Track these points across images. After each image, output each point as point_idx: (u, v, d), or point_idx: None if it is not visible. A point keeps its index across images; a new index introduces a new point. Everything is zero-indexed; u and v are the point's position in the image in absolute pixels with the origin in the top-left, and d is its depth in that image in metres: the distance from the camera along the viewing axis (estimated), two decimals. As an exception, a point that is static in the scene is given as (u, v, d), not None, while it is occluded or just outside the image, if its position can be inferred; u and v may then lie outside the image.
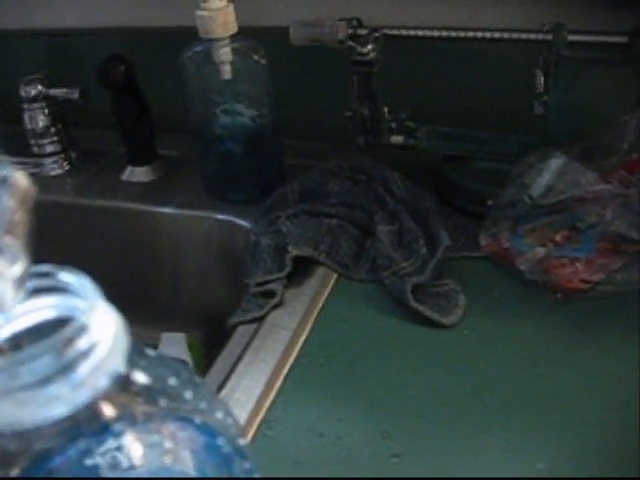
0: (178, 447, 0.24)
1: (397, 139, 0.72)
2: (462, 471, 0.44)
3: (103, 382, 0.21)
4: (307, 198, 0.69)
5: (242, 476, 0.25)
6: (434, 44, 0.69)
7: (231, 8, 0.65)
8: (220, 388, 0.51)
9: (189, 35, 0.67)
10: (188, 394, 0.24)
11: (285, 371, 0.52)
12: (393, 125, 0.72)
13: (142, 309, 0.79)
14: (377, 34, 0.65)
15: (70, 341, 0.20)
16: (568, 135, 0.62)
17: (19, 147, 0.87)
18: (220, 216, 0.74)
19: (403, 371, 0.52)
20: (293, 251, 0.61)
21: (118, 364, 0.22)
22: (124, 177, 0.84)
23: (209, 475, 0.24)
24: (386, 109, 0.70)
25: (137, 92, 0.80)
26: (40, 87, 0.84)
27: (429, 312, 0.55)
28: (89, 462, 0.22)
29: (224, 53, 0.67)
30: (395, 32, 0.67)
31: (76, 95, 0.83)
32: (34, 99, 0.84)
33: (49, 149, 0.87)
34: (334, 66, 0.71)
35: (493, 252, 0.60)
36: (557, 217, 0.58)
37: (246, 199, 0.74)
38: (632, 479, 0.42)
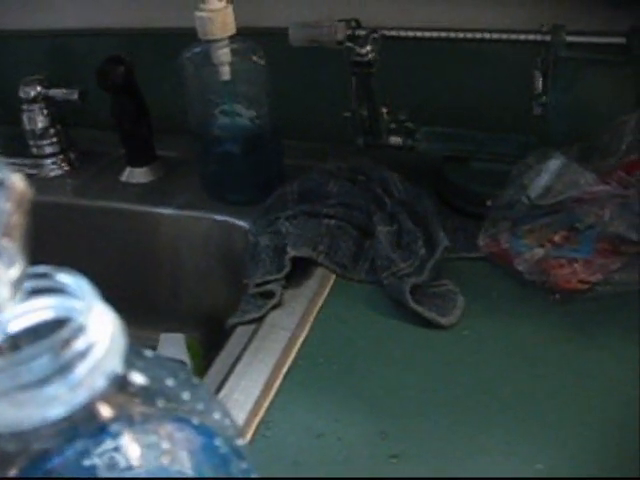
0: (175, 448, 0.24)
1: (396, 140, 0.72)
2: (461, 471, 0.44)
3: (100, 383, 0.21)
4: (306, 199, 0.69)
5: (240, 476, 0.25)
6: (433, 45, 0.69)
7: (230, 9, 0.65)
8: (219, 389, 0.51)
9: (188, 36, 0.67)
10: (186, 395, 0.24)
11: (284, 372, 0.52)
12: (392, 126, 0.72)
13: (141, 310, 0.79)
14: (376, 35, 0.65)
15: (67, 342, 0.20)
16: (567, 136, 0.62)
17: (18, 148, 0.87)
18: (219, 217, 0.74)
19: (402, 372, 0.52)
20: (292, 252, 0.61)
21: (115, 365, 0.22)
22: (123, 178, 0.84)
23: (207, 476, 0.24)
24: (385, 110, 0.70)
25: (136, 93, 0.80)
26: (39, 88, 0.84)
27: (428, 313, 0.55)
28: (87, 463, 0.22)
29: (223, 54, 0.67)
30: (394, 33, 0.67)
31: (75, 96, 0.83)
32: (33, 100, 0.84)
33: (48, 150, 0.87)
34: (333, 67, 0.71)
35: (492, 253, 0.61)
36: (556, 218, 0.58)
37: (245, 200, 0.74)
38: (632, 479, 0.42)
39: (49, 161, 0.87)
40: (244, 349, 0.55)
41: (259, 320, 0.58)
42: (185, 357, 0.74)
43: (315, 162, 0.74)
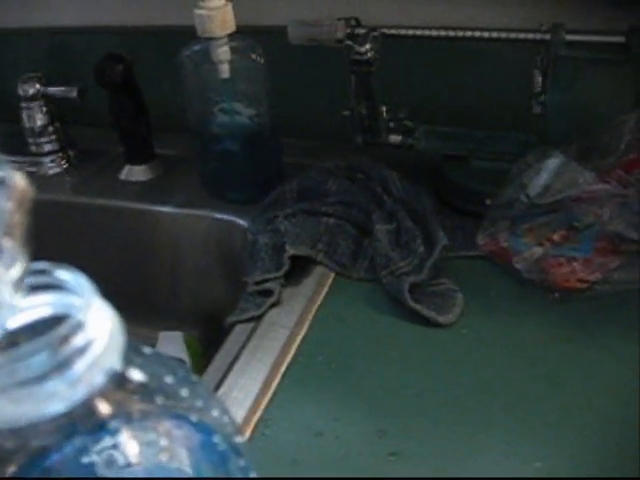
0: (174, 445, 0.24)
1: (395, 138, 0.72)
2: (460, 469, 0.44)
3: (99, 379, 0.21)
4: (305, 197, 0.69)
5: (238, 474, 0.25)
6: (432, 43, 0.69)
7: (229, 7, 0.65)
8: (217, 387, 0.51)
9: (187, 34, 0.67)
10: (184, 392, 0.24)
11: (283, 370, 0.52)
12: (391, 124, 0.72)
13: (140, 308, 0.79)
14: (375, 33, 0.65)
15: (66, 338, 0.20)
16: (566, 135, 0.62)
17: (17, 146, 0.87)
18: (218, 215, 0.74)
19: (400, 370, 0.52)
20: (291, 250, 0.61)
21: (114, 361, 0.22)
22: (122, 176, 0.84)
23: (205, 473, 0.24)
24: (384, 108, 0.70)
25: (135, 91, 0.80)
26: (38, 85, 0.84)
27: (426, 311, 0.55)
28: (85, 460, 0.22)
29: (222, 52, 0.67)
30: (393, 31, 0.67)
31: (74, 94, 0.83)
32: (32, 97, 0.84)
33: (47, 148, 0.87)
34: (332, 65, 0.71)
35: (491, 251, 0.61)
36: (555, 216, 0.58)
37: (244, 198, 0.74)
38: (632, 479, 0.42)
39: (48, 159, 0.87)
40: (243, 347, 0.55)
41: (258, 318, 0.58)
42: (184, 355, 0.74)
43: (314, 160, 0.74)
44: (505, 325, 0.55)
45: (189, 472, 0.24)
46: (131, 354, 0.23)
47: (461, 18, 0.72)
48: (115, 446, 0.22)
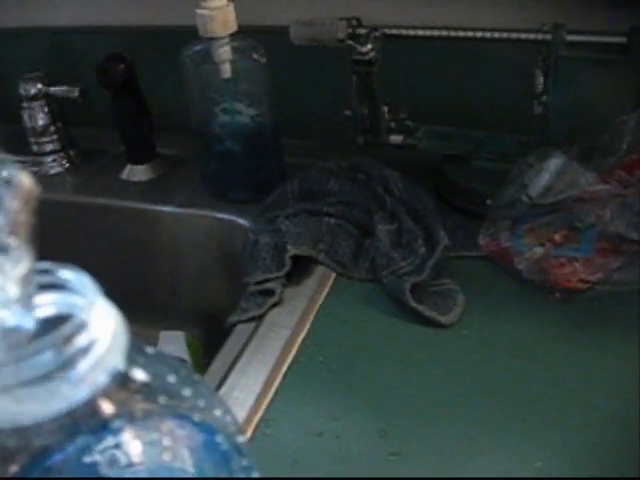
0: (177, 445, 0.24)
1: (396, 139, 0.72)
2: (460, 469, 0.44)
3: (102, 379, 0.21)
4: (307, 197, 0.69)
5: (241, 473, 0.25)
6: (434, 44, 0.69)
7: (231, 7, 0.65)
8: (219, 387, 0.51)
9: (189, 34, 0.67)
10: (187, 392, 0.24)
11: (284, 370, 0.52)
12: (392, 124, 0.72)
13: (141, 307, 0.79)
14: (377, 33, 0.65)
15: (70, 338, 0.20)
16: (567, 135, 0.62)
17: (19, 145, 0.87)
18: (219, 215, 0.74)
19: (401, 370, 0.52)
20: (292, 250, 0.61)
21: (117, 361, 0.22)
22: (123, 176, 0.84)
23: (208, 472, 0.24)
24: (385, 108, 0.70)
25: (136, 91, 0.80)
26: (40, 85, 0.84)
27: (428, 311, 0.55)
28: (87, 459, 0.22)
29: (224, 52, 0.67)
30: (395, 32, 0.67)
31: (76, 94, 0.83)
32: (34, 97, 0.84)
33: (49, 147, 0.87)
34: (334, 65, 0.71)
35: (492, 252, 0.61)
36: (556, 217, 0.58)
37: (246, 198, 0.74)
38: (632, 479, 0.42)
39: (49, 159, 0.87)
40: (244, 347, 0.55)
41: (259, 318, 0.58)
42: (185, 355, 0.74)
43: (315, 160, 0.74)
44: (506, 325, 0.55)
45: (192, 472, 0.24)
46: (134, 354, 0.23)
47: (462, 18, 0.72)
48: (117, 445, 0.22)
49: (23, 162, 0.87)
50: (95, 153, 0.90)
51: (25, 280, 0.20)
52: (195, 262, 0.78)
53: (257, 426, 0.48)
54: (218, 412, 0.25)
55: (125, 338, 0.22)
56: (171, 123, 0.82)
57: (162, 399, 0.23)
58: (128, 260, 0.82)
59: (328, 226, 0.65)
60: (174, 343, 0.75)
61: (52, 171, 0.87)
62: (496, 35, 0.64)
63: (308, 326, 0.57)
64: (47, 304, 0.22)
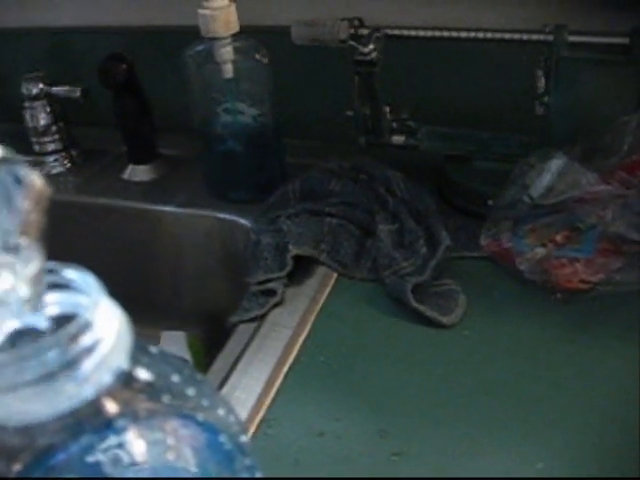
0: (180, 444, 0.24)
1: (398, 139, 0.72)
2: (462, 470, 0.44)
3: (106, 378, 0.21)
4: (308, 197, 0.69)
5: (244, 473, 0.25)
6: (435, 44, 0.69)
7: (233, 7, 0.65)
8: (220, 387, 0.51)
9: (191, 34, 0.67)
10: (190, 391, 0.24)
11: (285, 370, 0.53)
12: (394, 125, 0.72)
13: (142, 307, 0.78)
14: (379, 34, 0.65)
15: (74, 337, 0.20)
16: (569, 136, 0.62)
17: (20, 145, 0.86)
18: (221, 215, 0.74)
19: (403, 371, 0.52)
20: (294, 250, 0.62)
21: (121, 361, 0.22)
22: (125, 176, 0.84)
23: (211, 472, 0.24)
24: (387, 109, 0.70)
25: (138, 91, 0.80)
26: (41, 85, 0.84)
27: (429, 312, 0.55)
28: (90, 459, 0.22)
29: (226, 52, 0.67)
30: (397, 32, 0.67)
31: (78, 94, 0.83)
32: (35, 97, 0.84)
33: (50, 147, 0.87)
34: (336, 66, 0.71)
35: (493, 252, 0.61)
36: (557, 217, 0.58)
37: (247, 198, 0.74)
38: (632, 479, 0.42)
39: (51, 158, 0.87)
40: (245, 347, 0.55)
41: (261, 318, 0.58)
42: (186, 355, 0.74)
43: (317, 161, 0.74)
44: (507, 326, 0.55)
45: (195, 471, 0.24)
46: (138, 353, 0.23)
47: (464, 19, 0.72)
48: (121, 445, 0.22)
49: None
50: (97, 153, 0.90)
51: (36, 280, 0.20)
52: (197, 262, 0.78)
53: (258, 426, 0.48)
54: (221, 412, 0.25)
55: (129, 338, 0.22)
56: (173, 123, 0.82)
57: (166, 398, 0.23)
58: (129, 260, 0.82)
59: (330, 226, 0.65)
60: (175, 343, 0.75)
61: (54, 171, 0.87)
62: (498, 36, 0.64)
63: (309, 326, 0.57)
64: (52, 303, 0.22)
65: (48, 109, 0.85)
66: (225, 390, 0.51)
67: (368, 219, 0.65)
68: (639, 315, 0.53)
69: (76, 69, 0.92)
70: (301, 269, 0.62)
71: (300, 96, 0.82)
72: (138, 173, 0.83)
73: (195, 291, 0.80)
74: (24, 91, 0.84)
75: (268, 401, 0.50)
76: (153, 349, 0.25)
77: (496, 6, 0.73)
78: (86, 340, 0.20)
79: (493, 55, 0.73)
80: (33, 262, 0.20)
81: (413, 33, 0.67)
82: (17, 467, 0.22)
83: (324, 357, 0.54)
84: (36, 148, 0.87)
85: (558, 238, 0.58)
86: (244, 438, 0.26)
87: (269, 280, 0.60)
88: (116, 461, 0.22)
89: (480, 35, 0.64)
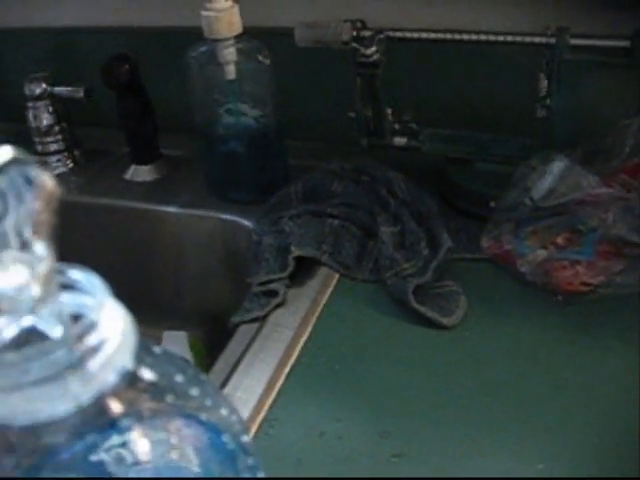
0: (184, 444, 0.24)
1: (400, 141, 0.72)
2: (462, 471, 0.44)
3: (111, 378, 0.21)
4: (310, 198, 0.69)
5: (246, 473, 0.26)
6: (438, 46, 0.69)
7: (236, 9, 0.66)
8: (222, 387, 0.51)
9: (194, 35, 0.67)
10: (194, 391, 0.25)
11: (286, 370, 0.53)
12: (396, 127, 0.72)
13: (144, 307, 0.78)
14: (381, 36, 0.65)
15: (80, 337, 0.20)
16: (570, 138, 0.63)
17: (23, 145, 0.86)
18: (223, 216, 0.74)
19: (404, 371, 0.52)
20: (295, 251, 0.62)
21: (126, 360, 0.22)
22: (127, 176, 0.84)
23: (214, 472, 0.25)
24: (389, 111, 0.71)
25: (141, 91, 0.80)
26: (44, 85, 0.84)
27: (430, 313, 0.55)
28: (94, 458, 0.22)
29: (229, 53, 0.67)
30: (399, 34, 0.67)
31: (81, 94, 0.83)
32: (38, 97, 0.84)
33: (53, 147, 0.87)
34: (338, 67, 0.71)
35: (494, 254, 0.61)
36: (558, 220, 0.58)
37: (249, 199, 0.74)
38: (632, 479, 0.42)
39: (54, 158, 0.87)
40: (247, 348, 0.55)
41: (262, 319, 0.58)
42: (188, 355, 0.74)
43: (319, 162, 0.74)
44: (508, 327, 0.55)
45: (198, 471, 0.24)
46: (142, 353, 0.23)
47: (466, 21, 0.73)
48: (124, 444, 0.23)
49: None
50: (99, 153, 0.90)
51: (47, 279, 0.20)
52: (199, 263, 0.79)
53: (260, 426, 0.48)
54: (224, 411, 0.26)
55: (134, 338, 0.23)
56: (175, 124, 0.82)
57: (169, 398, 0.23)
58: (131, 260, 0.82)
59: (332, 227, 0.65)
60: (177, 343, 0.75)
61: (56, 171, 0.87)
62: (500, 38, 0.64)
63: (311, 327, 0.57)
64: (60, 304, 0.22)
65: (51, 109, 0.85)
66: (227, 390, 0.51)
67: (370, 220, 0.65)
68: (639, 317, 0.54)
69: (79, 69, 0.92)
70: (303, 270, 0.62)
71: (302, 97, 0.82)
72: (140, 173, 0.83)
73: (197, 291, 0.81)
74: (27, 91, 0.84)
75: (269, 401, 0.50)
76: (157, 349, 0.25)
77: (498, 8, 0.73)
78: (92, 340, 0.21)
79: (495, 57, 0.73)
80: (44, 261, 0.21)
81: (415, 35, 0.67)
82: (22, 466, 0.22)
83: (325, 358, 0.54)
84: (39, 148, 0.87)
85: (559, 240, 0.58)
86: (246, 438, 0.26)
87: (271, 281, 0.60)
88: (120, 460, 0.23)
89: (482, 37, 0.64)
